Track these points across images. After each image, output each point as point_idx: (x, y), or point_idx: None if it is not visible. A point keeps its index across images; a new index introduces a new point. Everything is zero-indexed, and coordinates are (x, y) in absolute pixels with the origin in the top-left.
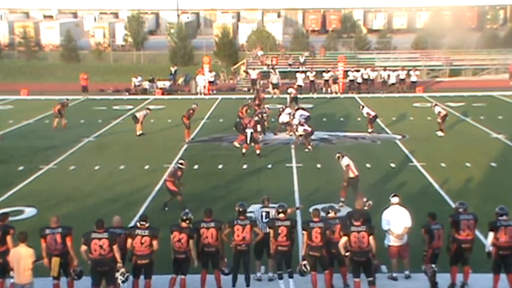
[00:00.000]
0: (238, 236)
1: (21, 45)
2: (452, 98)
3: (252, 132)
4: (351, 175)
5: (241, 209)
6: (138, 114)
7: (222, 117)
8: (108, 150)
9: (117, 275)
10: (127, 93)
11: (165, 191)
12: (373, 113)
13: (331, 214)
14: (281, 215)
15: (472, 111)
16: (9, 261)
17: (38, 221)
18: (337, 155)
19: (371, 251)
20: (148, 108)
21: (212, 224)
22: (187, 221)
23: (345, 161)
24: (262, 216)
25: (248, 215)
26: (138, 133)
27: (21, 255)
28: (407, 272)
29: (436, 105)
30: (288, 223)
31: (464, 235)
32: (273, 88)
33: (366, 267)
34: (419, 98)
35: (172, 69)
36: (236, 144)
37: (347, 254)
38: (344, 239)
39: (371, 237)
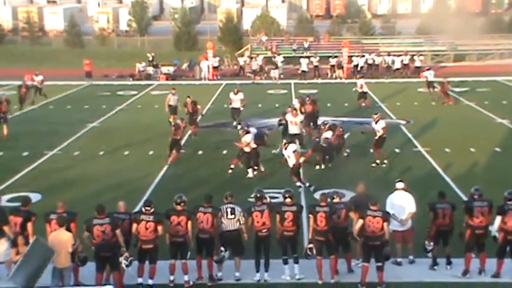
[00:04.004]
0: (258, 222)
1: (25, 30)
2: (456, 83)
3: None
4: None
5: (258, 195)
6: (172, 103)
7: (226, 102)
8: (112, 135)
9: (121, 259)
10: (131, 79)
11: (170, 178)
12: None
13: (336, 199)
14: (288, 200)
15: (476, 96)
16: None
17: (43, 206)
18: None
19: (384, 236)
20: (173, 88)
21: (209, 210)
22: (182, 204)
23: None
24: (227, 212)
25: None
26: (172, 122)
27: (61, 240)
28: (411, 257)
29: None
30: (294, 208)
31: (478, 222)
32: (255, 74)
33: (377, 252)
34: (424, 83)
35: (150, 56)
36: None
37: (358, 238)
38: (360, 222)
39: (385, 224)
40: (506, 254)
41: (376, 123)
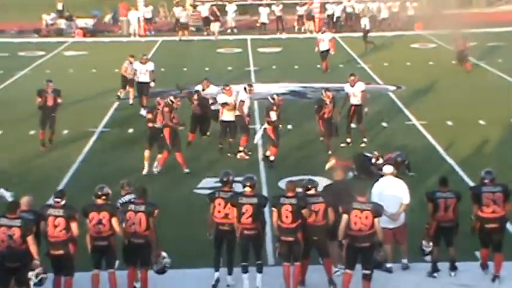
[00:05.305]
0: (219, 212)
1: None
2: None
3: None
4: None
5: (225, 179)
6: (127, 75)
7: (163, 66)
8: (13, 109)
9: (31, 274)
10: (36, 35)
11: (90, 164)
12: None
13: (312, 191)
14: (247, 189)
15: (486, 53)
16: None
17: None
18: None
19: (375, 236)
20: (131, 56)
21: (142, 208)
22: (104, 197)
23: None
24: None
25: None
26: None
27: None
28: (405, 261)
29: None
30: (254, 200)
31: (489, 212)
32: (180, 29)
33: (365, 256)
34: (418, 36)
35: (59, 4)
36: None
37: (343, 241)
38: (345, 217)
39: (376, 220)
40: None
41: (352, 86)
